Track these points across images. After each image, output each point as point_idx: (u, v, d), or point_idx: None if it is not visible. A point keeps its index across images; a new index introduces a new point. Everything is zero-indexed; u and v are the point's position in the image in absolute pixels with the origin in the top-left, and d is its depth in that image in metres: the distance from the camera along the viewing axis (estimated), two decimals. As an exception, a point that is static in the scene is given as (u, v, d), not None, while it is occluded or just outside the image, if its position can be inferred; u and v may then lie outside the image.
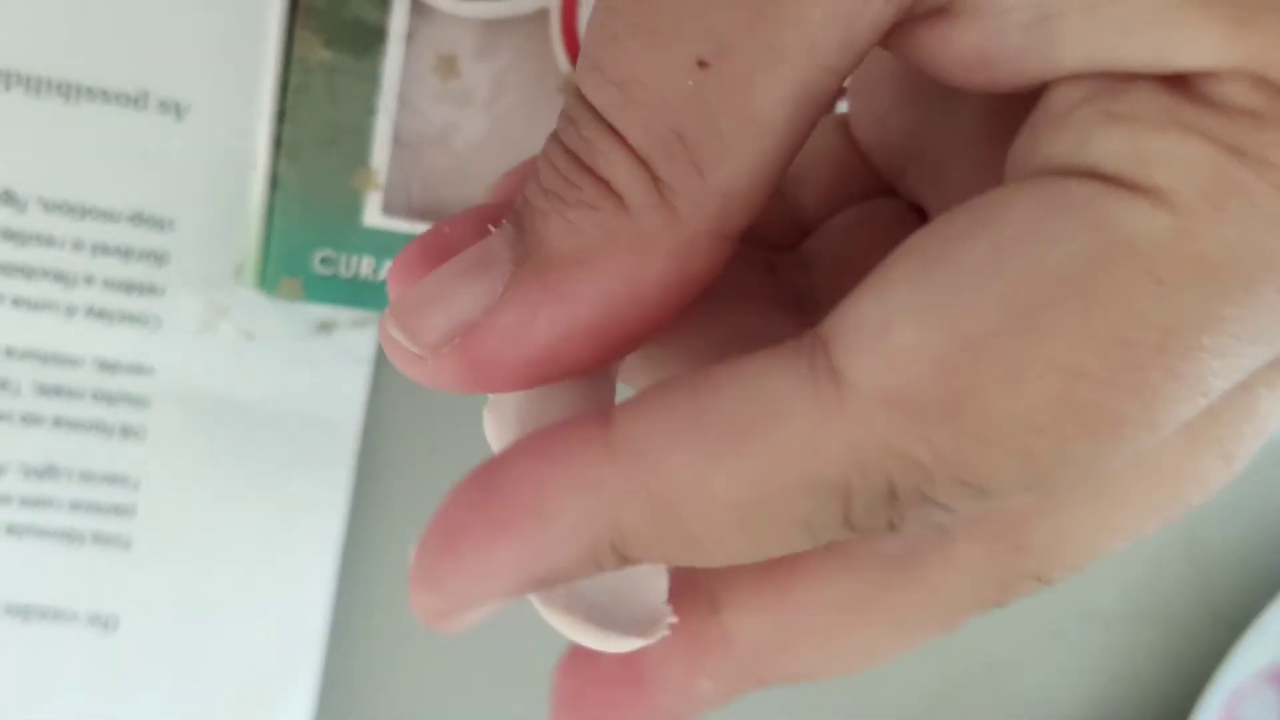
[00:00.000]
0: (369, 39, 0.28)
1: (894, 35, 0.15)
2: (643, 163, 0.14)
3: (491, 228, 0.16)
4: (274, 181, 0.29)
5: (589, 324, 0.15)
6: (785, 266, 0.20)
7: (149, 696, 0.33)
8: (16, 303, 0.29)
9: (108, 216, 0.29)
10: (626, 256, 0.15)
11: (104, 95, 0.28)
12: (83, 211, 0.29)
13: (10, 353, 0.30)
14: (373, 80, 0.28)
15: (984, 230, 0.13)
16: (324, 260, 0.29)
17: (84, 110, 0.28)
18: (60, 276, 0.29)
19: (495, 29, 0.29)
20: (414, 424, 0.33)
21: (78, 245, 0.29)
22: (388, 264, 0.29)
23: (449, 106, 0.29)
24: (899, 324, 0.13)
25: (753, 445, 0.14)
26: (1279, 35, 0.13)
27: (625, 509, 0.14)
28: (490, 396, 0.17)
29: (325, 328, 0.31)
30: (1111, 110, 0.13)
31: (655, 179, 0.14)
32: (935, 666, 0.39)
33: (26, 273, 0.29)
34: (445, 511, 0.15)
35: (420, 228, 0.29)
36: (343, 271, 0.29)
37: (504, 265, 0.15)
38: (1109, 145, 0.13)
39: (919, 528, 0.15)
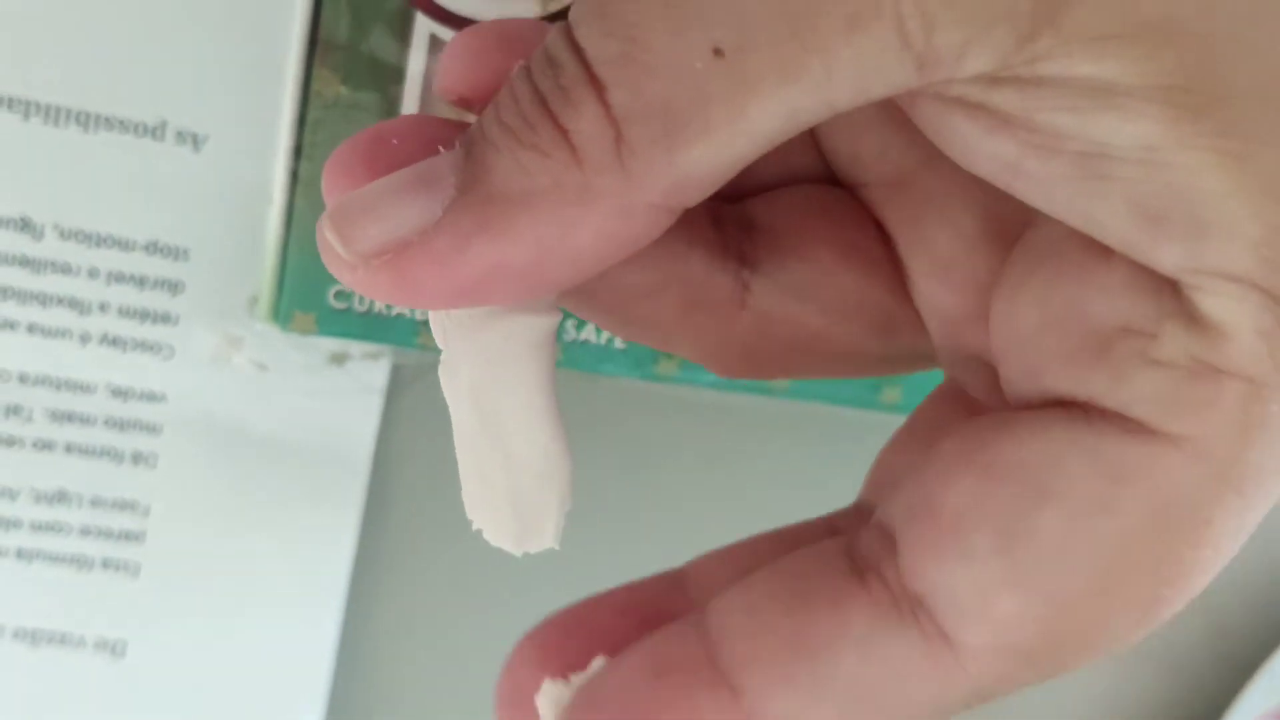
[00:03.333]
0: (387, 76, 0.28)
1: (913, 100, 0.15)
2: (614, 122, 0.14)
3: (441, 149, 0.16)
4: (290, 216, 0.29)
5: (518, 263, 0.15)
6: (727, 221, 0.20)
7: (155, 723, 0.33)
8: (31, 329, 0.29)
9: (124, 245, 0.29)
10: (567, 208, 0.15)
11: (122, 125, 0.28)
12: (99, 240, 0.29)
13: (24, 379, 0.30)
14: (390, 117, 0.28)
15: (1050, 502, 0.15)
16: (338, 295, 0.29)
17: (102, 139, 0.28)
18: (75, 304, 0.29)
19: (513, 67, 0.29)
20: (425, 456, 0.33)
21: (93, 273, 0.29)
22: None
23: (465, 144, 0.29)
24: (1002, 599, 0.15)
25: (888, 703, 0.16)
26: None
27: None
28: (444, 356, 0.18)
29: (338, 359, 0.31)
30: (1150, 355, 0.15)
31: (619, 140, 0.14)
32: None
33: (42, 300, 0.29)
34: None
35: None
36: (356, 306, 0.29)
37: (447, 188, 0.15)
38: (1146, 391, 0.15)
39: None
